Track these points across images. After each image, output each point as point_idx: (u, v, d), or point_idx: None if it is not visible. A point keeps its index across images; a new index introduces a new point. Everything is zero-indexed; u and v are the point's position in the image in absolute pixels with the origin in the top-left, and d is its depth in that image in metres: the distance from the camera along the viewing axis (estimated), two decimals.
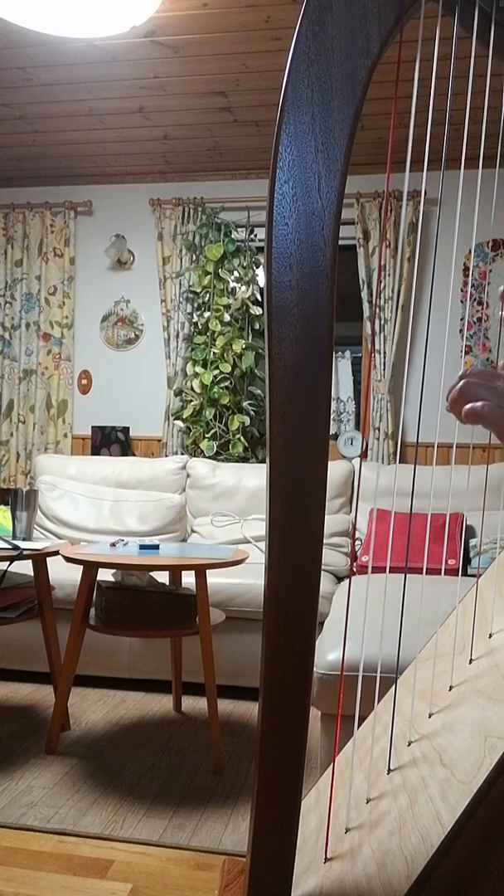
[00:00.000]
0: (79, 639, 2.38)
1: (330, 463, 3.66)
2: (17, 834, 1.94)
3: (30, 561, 2.77)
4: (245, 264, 4.00)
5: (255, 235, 4.15)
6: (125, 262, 4.36)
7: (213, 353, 3.96)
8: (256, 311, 3.99)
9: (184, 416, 4.01)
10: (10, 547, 2.49)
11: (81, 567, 2.58)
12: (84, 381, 4.39)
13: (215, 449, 3.95)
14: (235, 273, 3.99)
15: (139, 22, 2.67)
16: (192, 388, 3.99)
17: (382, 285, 3.94)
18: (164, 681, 3.11)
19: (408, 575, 3.01)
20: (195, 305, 4.13)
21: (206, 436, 3.95)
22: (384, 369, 3.93)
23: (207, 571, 2.85)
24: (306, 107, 0.71)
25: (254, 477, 3.66)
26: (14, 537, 2.69)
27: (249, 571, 3.07)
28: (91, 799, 2.12)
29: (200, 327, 4.05)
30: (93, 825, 1.98)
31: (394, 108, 0.63)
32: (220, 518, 3.61)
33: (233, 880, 1.01)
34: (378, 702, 1.09)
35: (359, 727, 1.07)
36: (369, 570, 1.03)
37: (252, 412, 3.96)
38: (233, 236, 4.06)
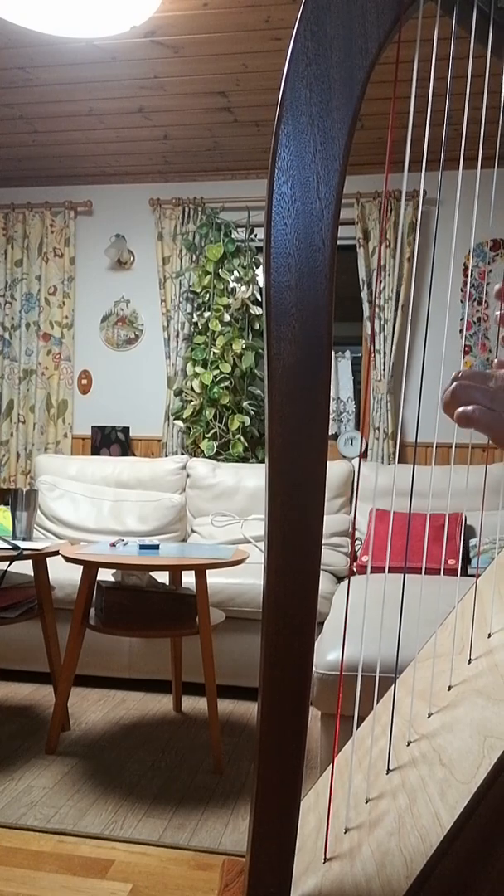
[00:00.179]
0: (79, 639, 2.38)
1: (330, 463, 3.66)
2: (17, 834, 1.94)
3: (30, 561, 2.77)
4: (245, 264, 4.00)
5: (255, 235, 4.15)
6: (125, 262, 4.36)
7: (213, 353, 3.96)
8: (256, 311, 3.99)
9: (184, 416, 4.01)
10: (10, 547, 2.49)
11: (81, 567, 2.58)
12: (84, 381, 4.39)
13: (215, 449, 3.95)
14: (235, 273, 3.99)
15: (139, 22, 2.67)
16: (192, 388, 3.99)
17: (382, 285, 3.94)
18: (164, 681, 3.11)
19: (407, 575, 3.01)
20: (195, 305, 4.13)
21: (206, 436, 3.95)
22: (384, 369, 3.93)
23: (207, 571, 2.85)
24: (305, 107, 0.71)
25: (254, 477, 3.66)
26: (14, 537, 2.69)
27: (249, 571, 3.07)
28: (91, 799, 2.12)
29: (200, 327, 4.05)
30: (93, 825, 1.98)
31: (392, 109, 0.63)
32: (220, 518, 3.61)
33: (232, 880, 1.01)
34: (377, 702, 1.09)
35: (358, 727, 1.07)
36: (368, 570, 1.03)
37: (252, 412, 3.96)
38: (233, 236, 4.06)
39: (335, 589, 3.13)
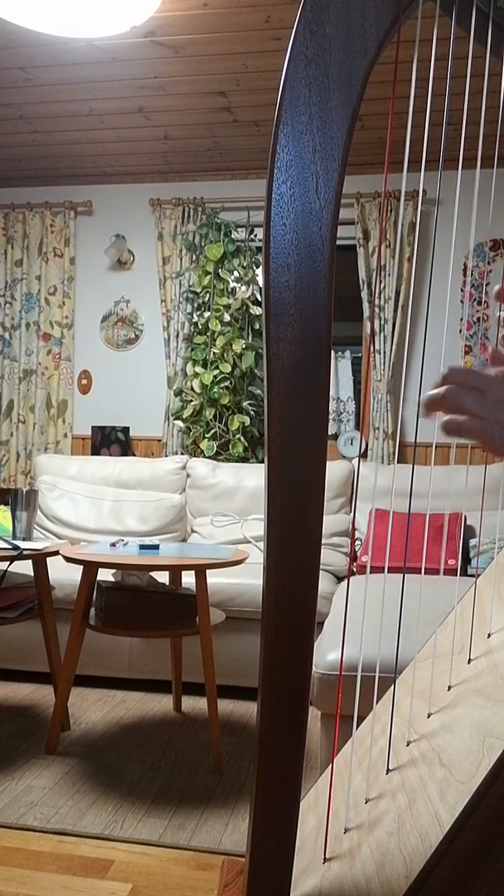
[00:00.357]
0: (79, 639, 2.38)
1: (330, 463, 3.66)
2: (17, 834, 1.94)
3: (30, 561, 2.77)
4: (245, 264, 4.00)
5: (255, 235, 4.15)
6: (125, 262, 4.36)
7: (213, 353, 3.96)
8: (256, 311, 3.99)
9: (184, 416, 4.01)
10: (10, 547, 2.49)
11: (81, 567, 2.58)
12: (84, 381, 4.39)
13: (215, 449, 3.95)
14: (235, 273, 3.99)
15: (139, 22, 2.67)
16: (192, 388, 3.99)
17: (382, 285, 3.94)
18: (164, 681, 3.11)
19: (407, 575, 3.01)
20: (195, 305, 4.13)
21: (206, 436, 3.95)
22: (384, 369, 3.93)
23: (207, 571, 2.85)
24: (304, 107, 0.71)
25: (253, 477, 3.66)
26: (14, 537, 2.69)
27: (249, 571, 3.07)
28: (91, 799, 2.12)
29: (200, 327, 4.05)
30: (93, 825, 1.98)
31: (391, 109, 0.63)
32: (220, 518, 3.61)
33: (232, 880, 1.01)
34: (377, 702, 1.09)
35: (358, 727, 1.07)
36: (367, 570, 1.03)
37: (252, 412, 3.96)
38: (233, 236, 4.06)
39: (335, 589, 3.13)
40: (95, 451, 4.27)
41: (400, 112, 3.36)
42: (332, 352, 0.76)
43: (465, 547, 3.28)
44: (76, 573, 3.05)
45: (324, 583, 3.13)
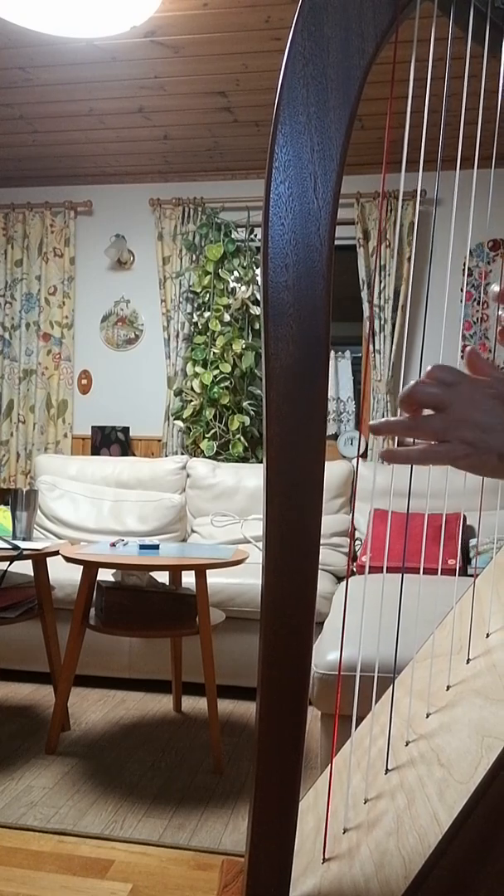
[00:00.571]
0: (79, 639, 2.38)
1: (329, 463, 3.67)
2: (17, 834, 1.94)
3: (30, 561, 2.77)
4: (245, 264, 4.00)
5: (255, 235, 4.15)
6: (125, 262, 4.36)
7: (213, 353, 3.96)
8: (256, 311, 3.99)
9: (184, 416, 4.01)
10: (10, 547, 2.49)
11: (81, 567, 2.58)
12: (84, 381, 4.39)
13: (215, 449, 3.95)
14: (235, 273, 3.99)
15: (139, 22, 2.67)
16: (192, 388, 3.99)
17: (382, 285, 3.93)
18: (164, 681, 3.11)
19: (406, 575, 3.01)
20: (195, 305, 4.13)
21: (206, 436, 3.95)
22: (384, 369, 3.93)
23: (207, 571, 2.85)
24: (302, 107, 0.71)
25: (253, 477, 3.66)
26: (14, 537, 2.69)
27: (249, 571, 3.07)
28: (91, 799, 2.12)
29: (200, 327, 4.05)
30: (93, 825, 1.98)
31: (389, 109, 0.63)
32: (220, 518, 3.61)
33: (232, 880, 1.01)
34: (376, 702, 1.09)
35: (357, 727, 1.07)
36: (366, 569, 1.03)
37: (252, 412, 3.97)
38: (233, 236, 4.06)
39: (335, 589, 3.13)
40: (95, 451, 4.27)
41: (399, 112, 3.36)
42: (332, 352, 0.76)
43: (465, 547, 3.28)
44: (76, 573, 3.05)
45: (323, 583, 3.13)
